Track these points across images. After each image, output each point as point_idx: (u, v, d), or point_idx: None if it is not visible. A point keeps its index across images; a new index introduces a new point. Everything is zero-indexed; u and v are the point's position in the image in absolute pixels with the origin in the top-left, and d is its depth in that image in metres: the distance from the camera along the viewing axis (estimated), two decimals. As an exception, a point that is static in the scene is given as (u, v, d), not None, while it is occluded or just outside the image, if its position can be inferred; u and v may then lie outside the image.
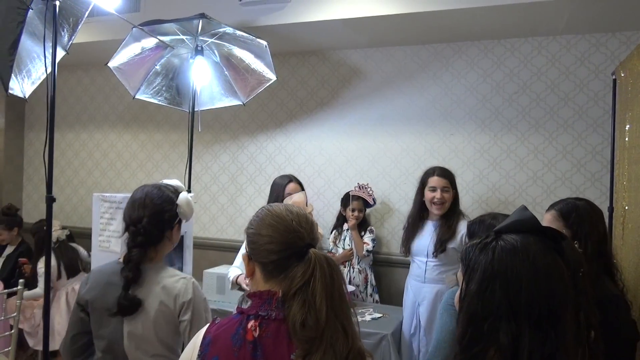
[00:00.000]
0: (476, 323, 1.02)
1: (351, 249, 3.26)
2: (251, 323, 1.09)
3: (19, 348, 3.21)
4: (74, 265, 3.44)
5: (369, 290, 3.28)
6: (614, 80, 2.65)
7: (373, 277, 3.32)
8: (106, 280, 1.57)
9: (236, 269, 2.75)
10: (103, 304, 1.55)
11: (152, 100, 3.22)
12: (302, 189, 3.00)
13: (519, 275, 1.00)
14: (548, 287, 0.99)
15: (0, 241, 3.78)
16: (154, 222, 1.57)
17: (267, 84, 3.22)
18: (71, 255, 3.42)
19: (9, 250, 3.80)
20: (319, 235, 1.31)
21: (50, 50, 1.88)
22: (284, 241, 1.11)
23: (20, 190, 4.76)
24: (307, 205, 2.82)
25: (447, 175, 2.76)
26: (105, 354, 1.56)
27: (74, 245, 3.55)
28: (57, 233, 3.38)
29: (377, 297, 3.30)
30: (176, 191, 1.66)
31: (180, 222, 1.66)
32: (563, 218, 1.78)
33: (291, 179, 3.06)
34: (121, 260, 1.61)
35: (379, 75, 3.58)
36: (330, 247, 3.38)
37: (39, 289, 3.25)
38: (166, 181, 1.72)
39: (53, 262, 3.30)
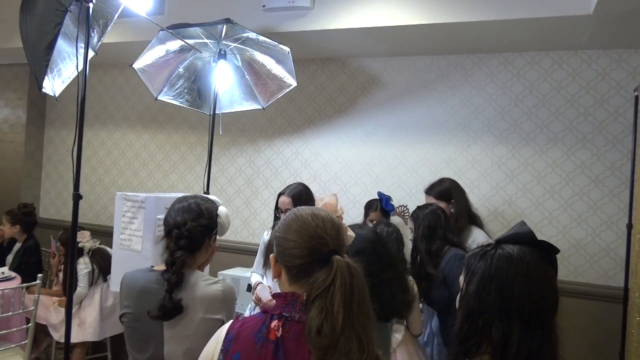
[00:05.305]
0: (472, 319, 1.14)
1: None
2: (274, 323, 1.11)
3: (33, 342, 3.25)
4: (108, 267, 3.50)
5: None
6: (636, 97, 2.65)
7: None
8: (141, 287, 1.56)
9: (256, 275, 2.79)
10: (140, 312, 1.53)
11: (173, 101, 3.26)
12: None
13: (513, 279, 1.12)
14: (539, 292, 1.12)
15: (1, 233, 3.87)
16: (197, 226, 1.60)
17: (287, 90, 3.24)
18: (104, 258, 3.48)
19: (17, 247, 3.88)
20: (348, 239, 1.33)
21: (82, 51, 1.93)
22: (308, 247, 1.11)
23: (38, 186, 4.83)
24: (337, 209, 2.84)
25: (428, 191, 2.86)
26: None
27: (102, 247, 3.60)
28: (88, 244, 3.46)
29: None
30: (214, 204, 1.71)
31: (216, 233, 1.70)
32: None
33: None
34: (155, 267, 1.61)
35: (398, 84, 3.60)
36: None
37: (80, 289, 3.33)
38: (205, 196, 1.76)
39: (89, 267, 3.39)
